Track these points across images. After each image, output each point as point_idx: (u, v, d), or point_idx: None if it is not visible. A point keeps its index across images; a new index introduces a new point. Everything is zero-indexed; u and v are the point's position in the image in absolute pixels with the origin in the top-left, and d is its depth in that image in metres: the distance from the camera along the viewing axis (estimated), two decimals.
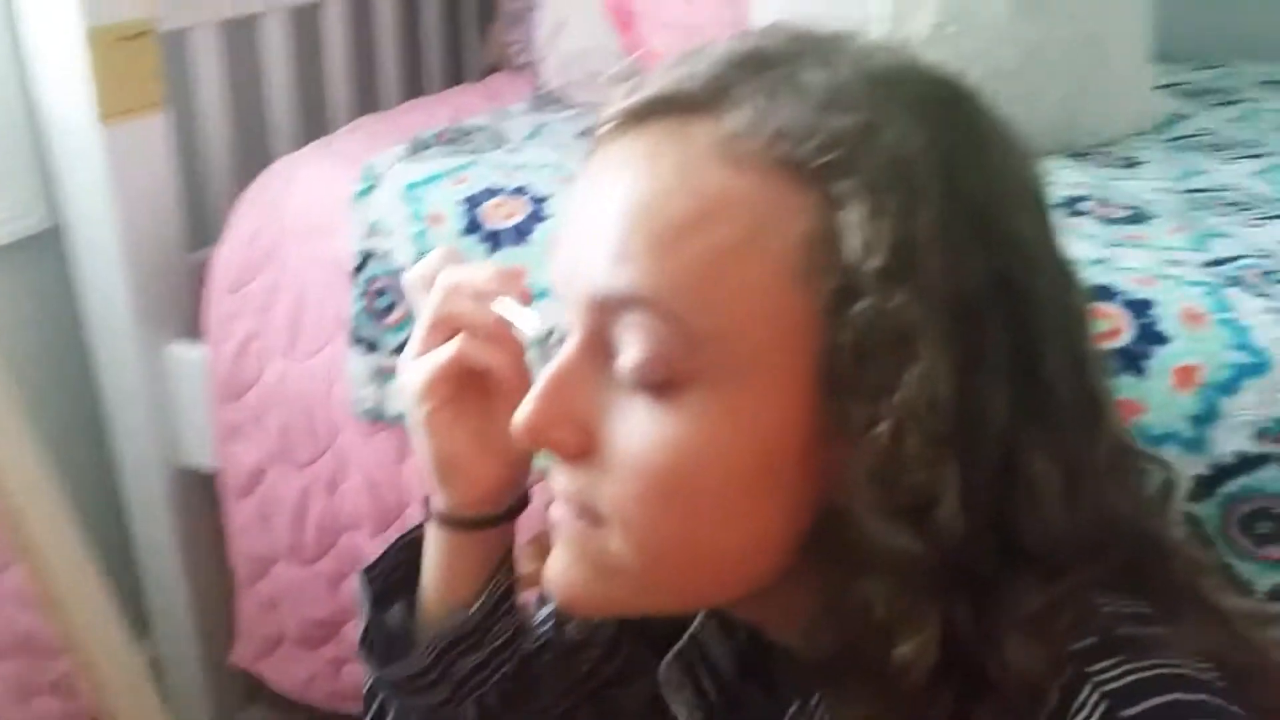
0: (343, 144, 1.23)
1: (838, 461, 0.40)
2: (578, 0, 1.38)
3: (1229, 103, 1.35)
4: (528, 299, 0.52)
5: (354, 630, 1.21)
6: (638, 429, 0.42)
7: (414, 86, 1.62)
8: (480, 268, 0.52)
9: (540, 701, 0.60)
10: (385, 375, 1.05)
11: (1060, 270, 0.44)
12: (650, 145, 0.42)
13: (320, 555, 1.18)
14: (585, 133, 1.20)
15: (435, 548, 0.56)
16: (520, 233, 0.99)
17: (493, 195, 1.02)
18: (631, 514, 0.42)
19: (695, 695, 0.53)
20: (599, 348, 0.43)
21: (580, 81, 1.36)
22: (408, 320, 1.03)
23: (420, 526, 0.58)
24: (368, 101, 1.51)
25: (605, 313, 0.42)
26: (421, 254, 1.02)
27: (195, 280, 1.21)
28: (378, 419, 1.08)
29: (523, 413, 0.44)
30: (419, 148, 1.14)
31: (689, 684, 0.53)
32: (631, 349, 0.41)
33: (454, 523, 0.54)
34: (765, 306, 0.40)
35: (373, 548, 1.14)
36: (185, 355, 1.20)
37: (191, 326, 1.21)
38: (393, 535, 1.11)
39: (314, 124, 1.40)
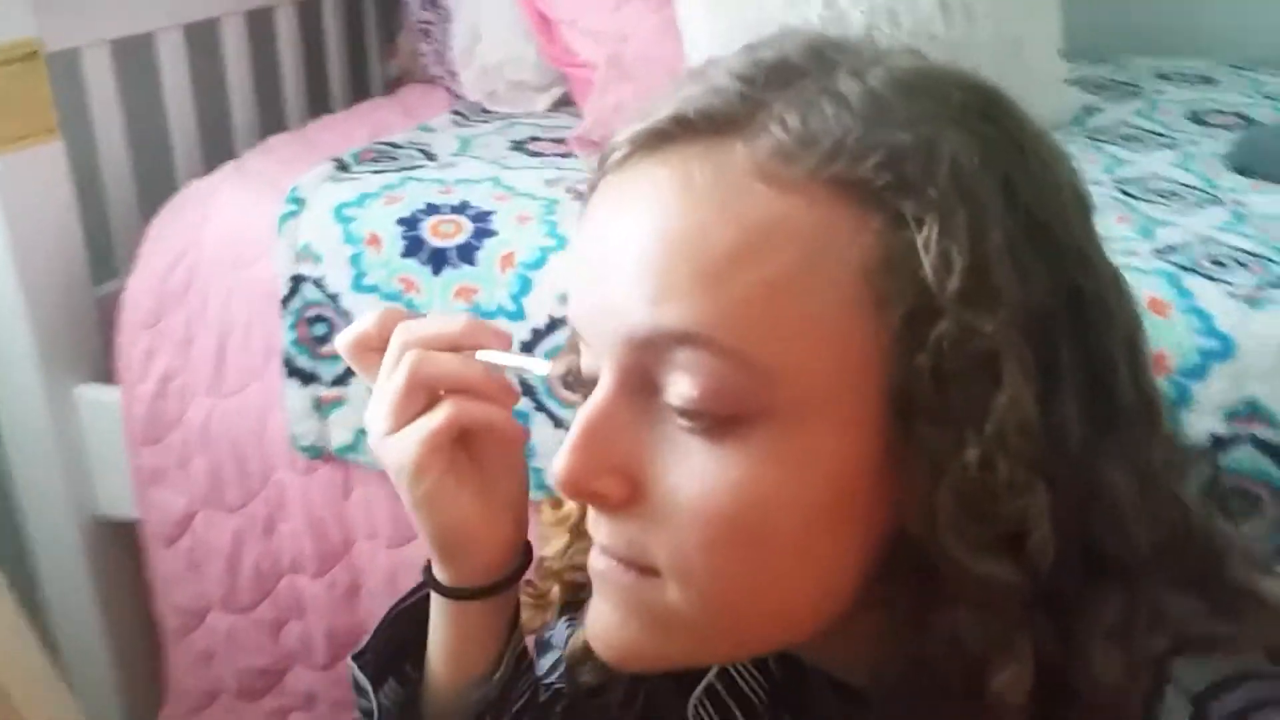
0: (257, 165, 1.17)
1: (915, 490, 0.38)
2: (493, 10, 1.34)
3: (1132, 95, 1.40)
4: (507, 344, 0.48)
5: (296, 679, 1.15)
6: (696, 472, 0.39)
7: (318, 102, 1.55)
8: (443, 321, 0.48)
9: None
10: (326, 407, 1.00)
11: (1112, 272, 0.43)
12: (680, 171, 0.39)
13: (258, 601, 1.11)
14: (519, 144, 1.17)
15: (444, 620, 0.52)
16: (466, 252, 0.95)
17: (432, 214, 0.98)
18: (694, 564, 0.39)
19: None
20: (637, 387, 0.40)
21: (501, 92, 1.33)
22: None
23: (407, 598, 0.54)
24: (271, 120, 1.44)
25: (648, 351, 0.39)
26: (360, 277, 0.98)
27: (102, 317, 1.13)
28: (319, 454, 1.02)
29: (561, 464, 0.40)
30: (343, 167, 1.09)
31: None
32: (685, 388, 0.38)
33: (466, 594, 0.50)
34: (830, 336, 0.37)
35: (316, 589, 1.08)
36: (96, 398, 1.12)
37: (101, 367, 1.13)
38: (338, 575, 1.08)
39: (217, 145, 1.33)
